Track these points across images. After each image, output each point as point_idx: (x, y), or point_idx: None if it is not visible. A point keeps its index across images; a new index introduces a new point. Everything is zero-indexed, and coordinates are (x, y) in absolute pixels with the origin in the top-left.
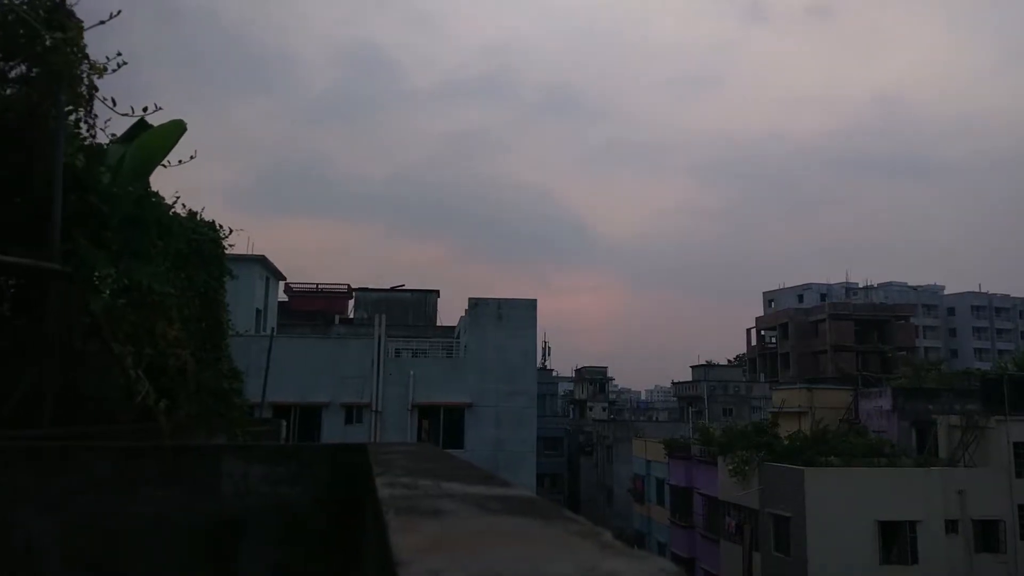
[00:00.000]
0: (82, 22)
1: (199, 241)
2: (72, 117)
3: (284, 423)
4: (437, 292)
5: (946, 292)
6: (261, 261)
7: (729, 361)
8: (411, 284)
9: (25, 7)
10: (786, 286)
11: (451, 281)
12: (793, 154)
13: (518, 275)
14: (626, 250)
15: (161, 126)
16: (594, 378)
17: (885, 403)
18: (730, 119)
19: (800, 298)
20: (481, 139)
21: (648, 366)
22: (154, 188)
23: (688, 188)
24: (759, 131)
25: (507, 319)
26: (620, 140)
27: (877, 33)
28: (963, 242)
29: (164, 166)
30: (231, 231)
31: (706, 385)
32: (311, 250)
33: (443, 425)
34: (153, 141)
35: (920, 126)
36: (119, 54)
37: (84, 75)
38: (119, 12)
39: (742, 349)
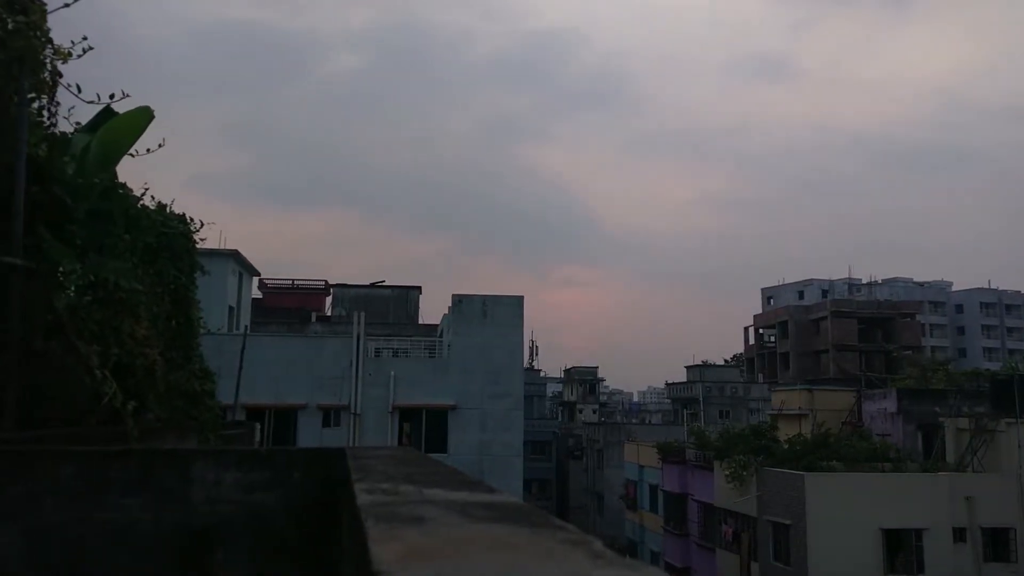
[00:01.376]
0: (45, 5)
1: (169, 235)
2: (35, 104)
3: (258, 426)
4: (419, 288)
5: (954, 288)
6: (234, 256)
7: (726, 361)
8: (412, 280)
9: None
10: (786, 282)
11: (452, 277)
12: (818, 146)
13: (518, 271)
14: (624, 246)
15: (127, 113)
16: (584, 379)
17: (889, 405)
18: (772, 108)
19: (800, 295)
20: (507, 128)
21: (641, 366)
22: (121, 179)
23: (701, 183)
24: (796, 122)
25: (492, 317)
26: (652, 132)
27: (937, 20)
28: (972, 236)
29: (132, 155)
30: (202, 224)
31: (702, 386)
32: (311, 245)
33: (425, 428)
34: (119, 130)
35: (956, 116)
36: (84, 38)
37: (47, 60)
38: None
39: (739, 348)
